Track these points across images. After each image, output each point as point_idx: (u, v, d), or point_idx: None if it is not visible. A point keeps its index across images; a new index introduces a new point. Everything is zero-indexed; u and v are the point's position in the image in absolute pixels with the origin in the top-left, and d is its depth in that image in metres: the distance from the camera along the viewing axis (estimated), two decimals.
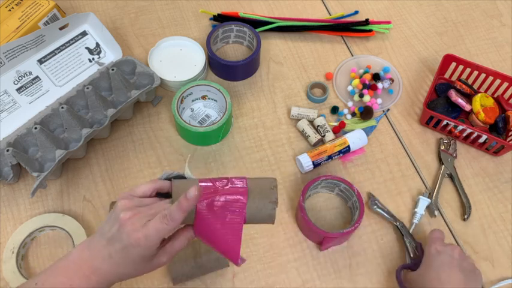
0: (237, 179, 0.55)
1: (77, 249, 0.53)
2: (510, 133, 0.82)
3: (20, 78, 0.80)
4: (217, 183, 0.54)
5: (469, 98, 0.85)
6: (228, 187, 0.54)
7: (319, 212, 0.76)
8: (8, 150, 0.71)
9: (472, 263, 0.67)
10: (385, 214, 0.75)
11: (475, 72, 0.87)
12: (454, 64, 0.88)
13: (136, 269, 0.53)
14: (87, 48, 0.85)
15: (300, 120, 0.84)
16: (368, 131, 0.84)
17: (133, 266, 0.52)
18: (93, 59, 0.85)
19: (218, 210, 0.53)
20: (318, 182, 0.74)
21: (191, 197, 0.50)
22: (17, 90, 0.79)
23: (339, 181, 0.74)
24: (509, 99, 0.87)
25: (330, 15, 0.99)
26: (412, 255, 0.72)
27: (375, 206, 0.76)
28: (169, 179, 0.57)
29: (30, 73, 0.80)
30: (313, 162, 0.78)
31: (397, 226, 0.75)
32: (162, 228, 0.50)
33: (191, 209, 0.51)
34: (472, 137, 0.81)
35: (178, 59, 0.88)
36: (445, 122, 0.82)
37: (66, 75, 0.83)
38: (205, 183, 0.54)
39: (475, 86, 0.88)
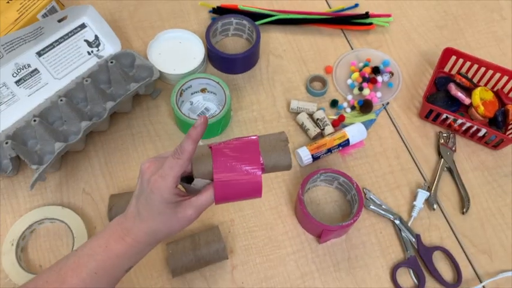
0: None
1: (114, 219, 0.55)
2: (509, 127, 0.82)
3: (19, 70, 0.79)
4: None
5: (468, 91, 0.85)
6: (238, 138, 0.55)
7: (318, 205, 0.77)
8: (7, 143, 0.71)
9: None
10: (381, 211, 0.76)
11: (475, 66, 0.87)
12: (454, 58, 0.88)
13: (164, 222, 0.52)
14: (86, 40, 0.85)
15: (299, 113, 0.84)
16: (367, 124, 0.84)
17: (160, 218, 0.52)
18: (92, 51, 0.85)
19: (233, 149, 0.53)
20: (317, 175, 0.74)
21: (198, 124, 0.51)
22: (16, 82, 0.79)
23: (338, 174, 0.74)
24: (508, 93, 0.86)
25: (330, 8, 0.99)
26: (409, 251, 0.73)
27: (371, 205, 0.76)
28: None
29: (29, 65, 0.80)
30: (312, 155, 0.78)
31: (393, 221, 0.75)
32: (174, 163, 0.50)
33: (199, 137, 0.51)
34: (471, 131, 0.81)
35: (177, 51, 0.88)
36: (444, 116, 0.82)
37: (65, 68, 0.83)
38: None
39: (475, 80, 0.88)
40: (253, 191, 0.53)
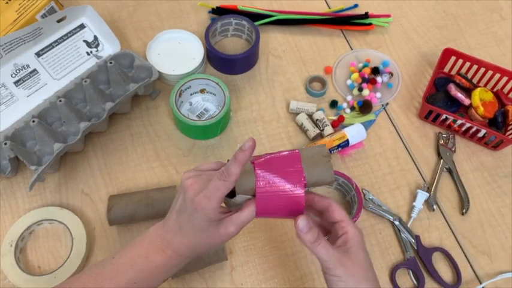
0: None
1: (152, 228, 0.55)
2: (509, 127, 0.82)
3: (18, 71, 0.79)
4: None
5: (468, 92, 0.85)
6: (279, 153, 0.55)
7: None
8: (5, 144, 0.71)
9: None
10: (380, 212, 0.75)
11: (475, 67, 0.87)
12: (453, 58, 0.88)
13: (205, 238, 0.53)
14: (85, 41, 0.84)
15: (298, 114, 0.84)
16: (367, 125, 0.84)
17: (202, 234, 0.52)
18: (91, 52, 0.85)
19: (275, 165, 0.53)
20: None
21: (246, 148, 0.50)
22: (15, 83, 0.79)
23: (338, 175, 0.74)
24: (508, 93, 0.86)
25: (329, 8, 0.99)
26: (408, 251, 0.72)
27: (370, 206, 0.76)
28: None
29: (28, 66, 0.80)
30: None
31: (393, 222, 0.75)
32: (220, 185, 0.50)
33: (246, 161, 0.50)
34: (471, 132, 0.81)
35: (176, 52, 0.88)
36: (444, 116, 0.81)
37: (64, 69, 0.82)
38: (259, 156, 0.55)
39: (475, 80, 0.88)
40: (295, 206, 0.53)
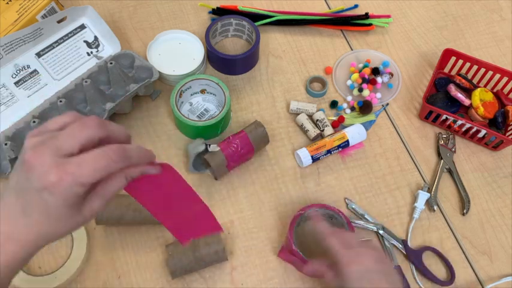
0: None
1: None
2: (509, 128, 0.82)
3: (18, 71, 0.79)
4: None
5: (468, 92, 0.85)
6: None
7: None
8: (6, 144, 0.71)
9: (388, 262, 0.60)
10: (363, 225, 0.74)
11: (475, 67, 0.87)
12: (453, 58, 0.88)
13: (65, 225, 0.40)
14: (85, 41, 0.85)
15: (299, 114, 0.84)
16: (367, 125, 0.84)
17: (59, 221, 0.40)
18: (91, 52, 0.85)
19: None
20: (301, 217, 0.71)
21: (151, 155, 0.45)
22: (15, 83, 0.79)
23: (327, 209, 0.71)
24: (508, 93, 0.86)
25: (330, 8, 0.99)
26: (394, 261, 0.72)
27: (355, 220, 0.74)
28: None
29: (29, 66, 0.80)
30: (312, 156, 0.78)
31: (377, 232, 0.74)
32: (105, 166, 0.39)
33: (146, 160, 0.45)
34: (471, 132, 0.81)
35: (177, 52, 0.88)
36: (444, 117, 0.82)
37: (64, 69, 0.83)
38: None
39: (475, 81, 0.88)
40: (245, 142, 0.75)
